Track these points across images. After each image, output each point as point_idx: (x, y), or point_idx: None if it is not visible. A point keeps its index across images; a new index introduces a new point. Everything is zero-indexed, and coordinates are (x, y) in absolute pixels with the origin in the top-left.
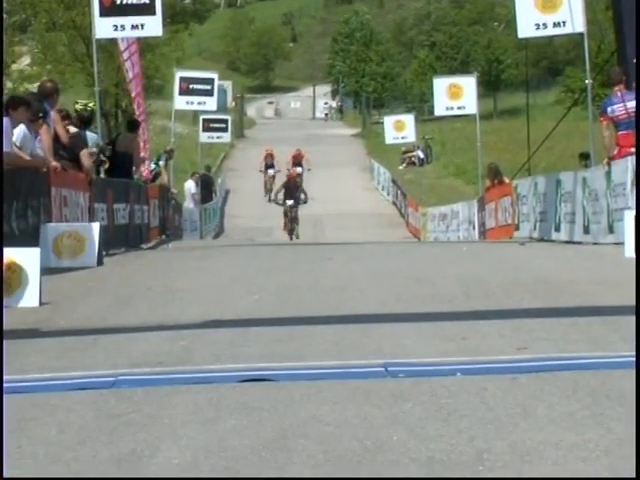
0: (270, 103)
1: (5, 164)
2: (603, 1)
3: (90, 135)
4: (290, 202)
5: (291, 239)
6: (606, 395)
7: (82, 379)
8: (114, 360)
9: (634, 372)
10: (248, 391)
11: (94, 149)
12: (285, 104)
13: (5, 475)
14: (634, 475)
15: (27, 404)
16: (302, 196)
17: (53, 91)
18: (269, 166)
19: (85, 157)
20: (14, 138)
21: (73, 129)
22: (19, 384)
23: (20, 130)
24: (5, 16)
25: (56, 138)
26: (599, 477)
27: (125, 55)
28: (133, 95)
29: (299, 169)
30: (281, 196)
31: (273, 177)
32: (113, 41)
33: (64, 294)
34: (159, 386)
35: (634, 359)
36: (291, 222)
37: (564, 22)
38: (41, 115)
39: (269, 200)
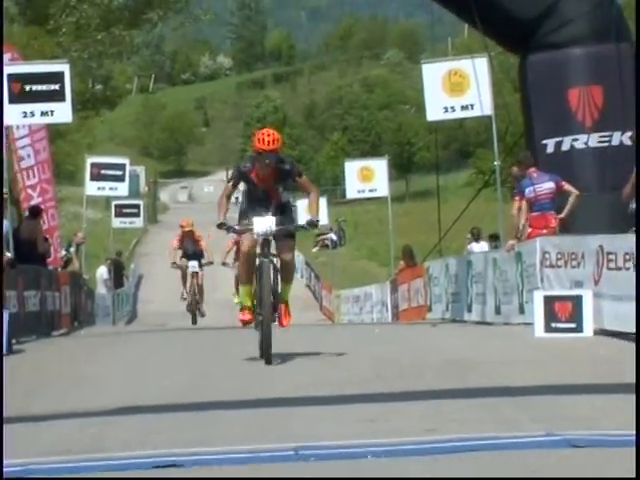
0: (183, 188)
1: None
2: (511, 85)
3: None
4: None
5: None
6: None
7: None
8: (23, 449)
9: (541, 451)
10: (158, 478)
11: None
12: (198, 188)
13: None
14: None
15: None
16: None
17: None
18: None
19: None
20: None
21: None
22: None
23: None
24: None
25: None
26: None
27: (21, 143)
28: (34, 183)
29: None
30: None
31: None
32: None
33: None
34: (68, 474)
35: (541, 438)
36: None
37: (472, 105)
38: None
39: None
